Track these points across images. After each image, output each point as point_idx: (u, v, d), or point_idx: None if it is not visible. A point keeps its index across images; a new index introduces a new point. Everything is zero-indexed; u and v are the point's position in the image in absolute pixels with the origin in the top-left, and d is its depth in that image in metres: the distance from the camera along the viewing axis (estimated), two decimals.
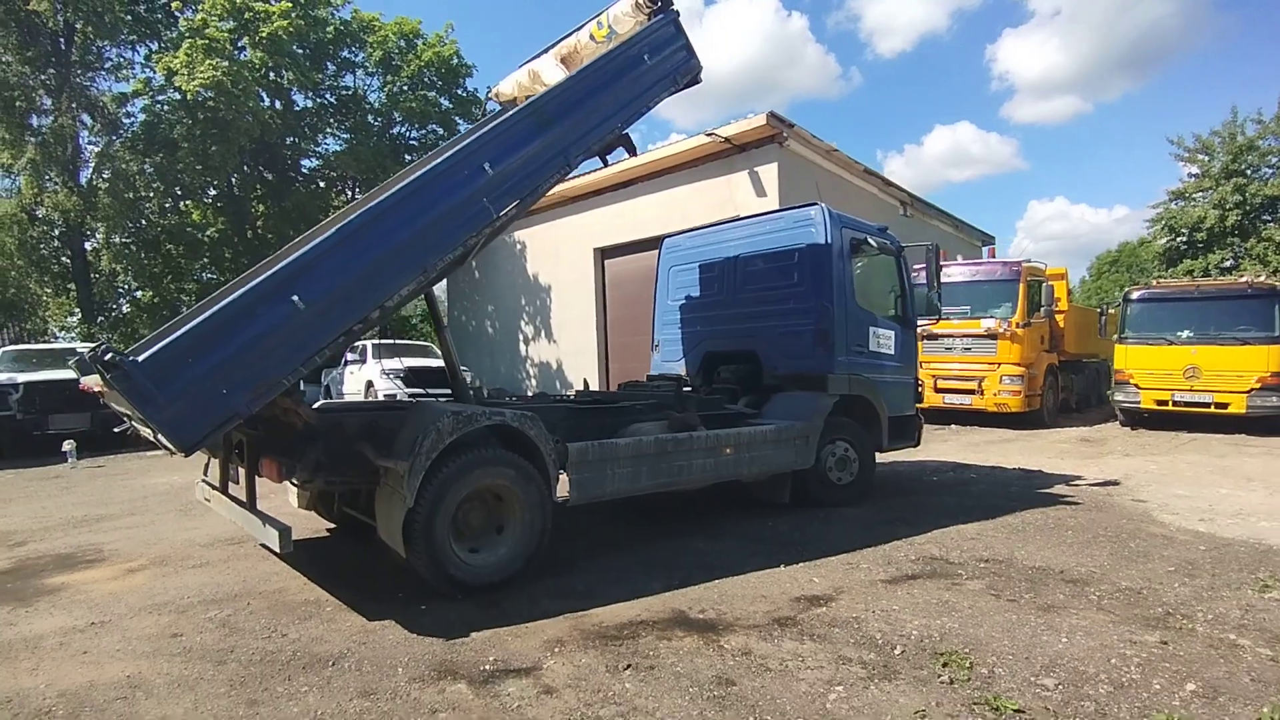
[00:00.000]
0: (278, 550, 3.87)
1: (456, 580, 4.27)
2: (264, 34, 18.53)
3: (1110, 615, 4.01)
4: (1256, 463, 9.22)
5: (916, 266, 7.67)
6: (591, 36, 5.79)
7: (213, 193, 22.08)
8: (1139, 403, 12.68)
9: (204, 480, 5.40)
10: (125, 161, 17.78)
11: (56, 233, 19.40)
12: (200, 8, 18.62)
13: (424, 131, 24.80)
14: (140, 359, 3.31)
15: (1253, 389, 11.62)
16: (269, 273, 3.80)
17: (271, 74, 20.06)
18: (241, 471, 5.05)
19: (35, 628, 3.96)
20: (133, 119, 20.07)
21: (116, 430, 5.26)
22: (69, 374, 13.05)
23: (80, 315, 20.07)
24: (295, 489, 5.76)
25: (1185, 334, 12.37)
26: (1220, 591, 4.43)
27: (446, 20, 48.27)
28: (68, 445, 10.93)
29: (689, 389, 6.99)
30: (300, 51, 20.15)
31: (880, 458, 7.36)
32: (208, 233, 21.42)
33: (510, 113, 4.85)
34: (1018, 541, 5.52)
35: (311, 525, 6.03)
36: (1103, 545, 5.43)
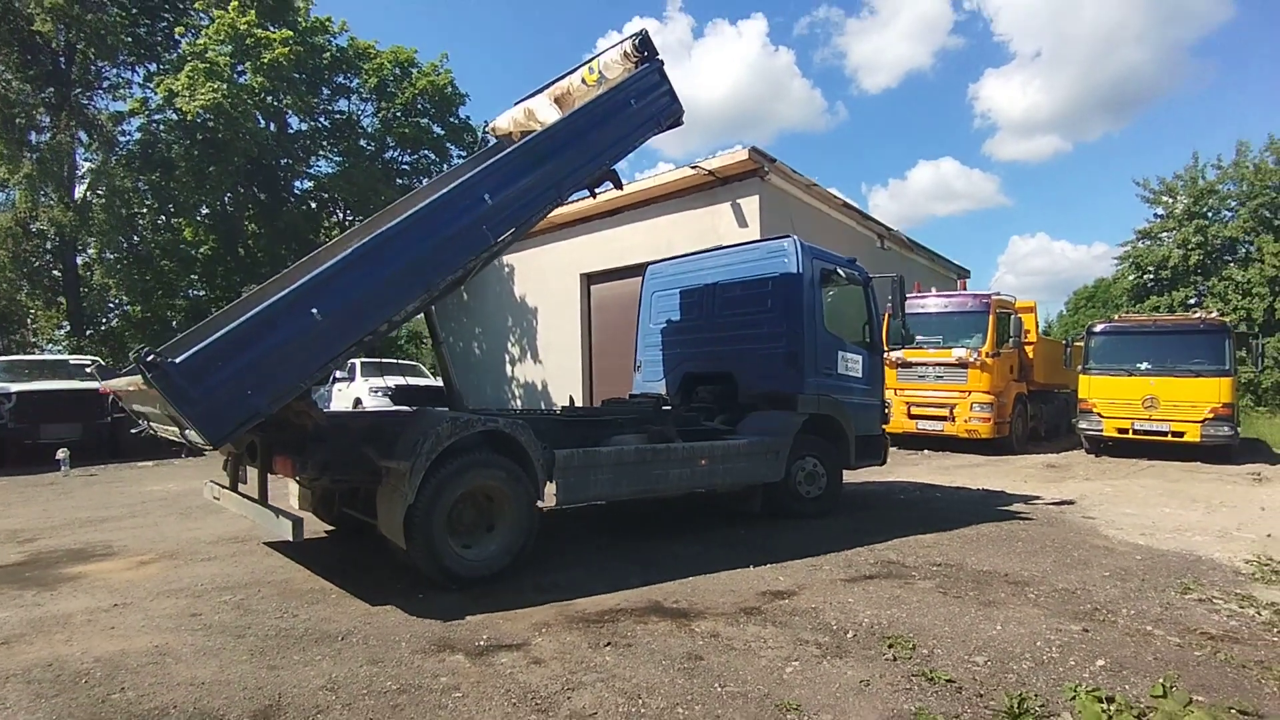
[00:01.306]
0: (291, 539, 4.23)
1: (451, 572, 4.65)
2: (266, 60, 19.07)
3: (1043, 610, 4.46)
4: (1204, 487, 9.78)
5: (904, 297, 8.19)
6: (583, 80, 6.34)
7: (205, 211, 22.45)
8: (1102, 430, 13.26)
9: (213, 481, 5.74)
10: (120, 178, 18.13)
11: (49, 246, 19.65)
12: (204, 32, 19.17)
13: (416, 156, 25.36)
14: (177, 361, 3.72)
15: (1206, 419, 12.23)
16: (290, 287, 4.22)
17: (269, 98, 20.55)
18: (251, 471, 5.45)
19: (62, 607, 4.29)
20: (128, 137, 20.51)
21: (134, 432, 5.61)
22: (61, 384, 13.47)
23: (69, 328, 20.24)
24: (296, 491, 6.13)
25: (1144, 365, 13.01)
26: (1146, 593, 4.89)
27: (441, 50, 48.93)
28: (61, 454, 11.15)
29: (668, 407, 7.44)
30: (298, 77, 20.71)
31: (853, 478, 7.82)
32: (200, 250, 21.72)
33: (508, 149, 5.37)
34: (970, 550, 5.97)
35: (311, 527, 6.35)
36: (1048, 554, 5.89)
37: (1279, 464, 12.38)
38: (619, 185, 6.29)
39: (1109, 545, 6.28)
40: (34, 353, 20.34)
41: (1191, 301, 22.66)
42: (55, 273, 19.89)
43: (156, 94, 19.06)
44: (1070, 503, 8.39)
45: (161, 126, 20.31)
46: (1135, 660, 3.66)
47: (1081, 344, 14.29)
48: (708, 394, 7.77)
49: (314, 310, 4.14)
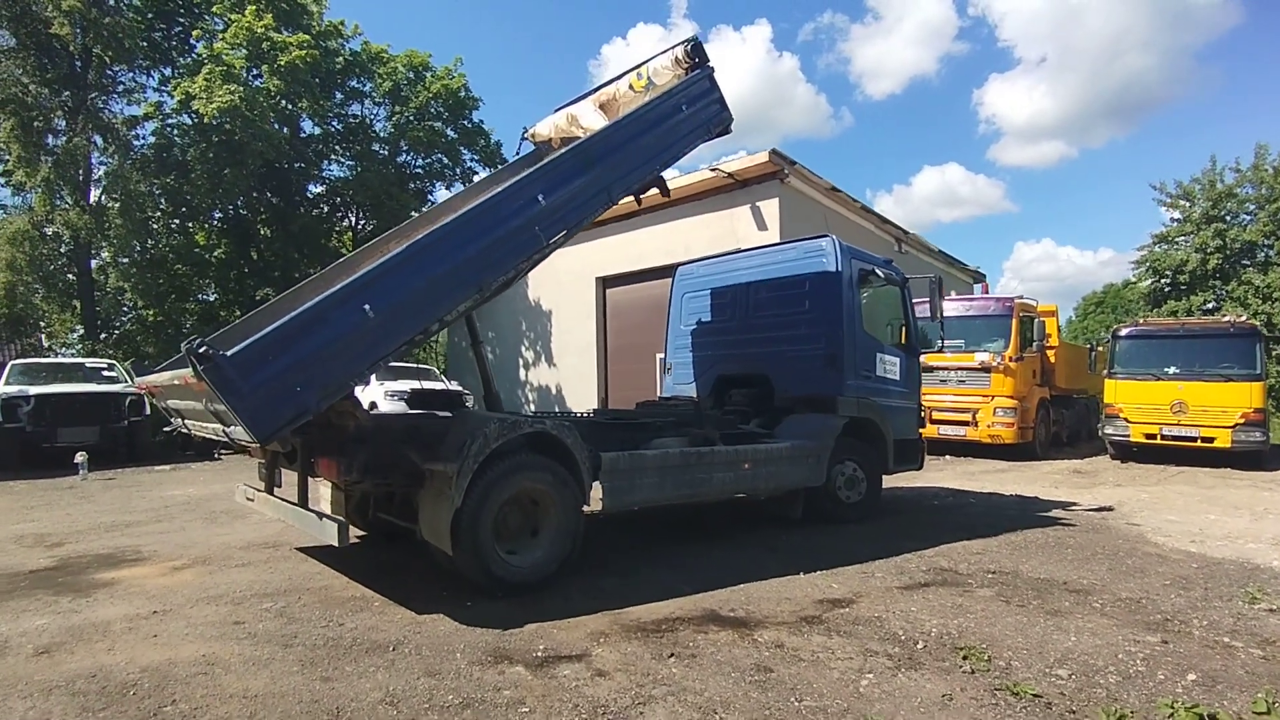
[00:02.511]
0: (336, 544, 4.09)
1: (497, 578, 4.51)
2: (283, 63, 19.02)
3: (1113, 620, 4.29)
4: (1242, 493, 9.58)
5: (918, 300, 8.04)
6: (630, 86, 6.33)
7: (218, 215, 22.41)
8: (1128, 436, 13.06)
9: (246, 485, 5.61)
10: (135, 182, 18.08)
11: (64, 250, 19.60)
12: (221, 36, 19.13)
13: (429, 160, 25.29)
14: (229, 353, 3.60)
15: (1237, 424, 12.03)
16: (343, 283, 4.10)
17: (285, 102, 20.50)
18: (284, 473, 5.32)
19: (100, 614, 4.15)
20: (142, 141, 20.48)
21: (166, 430, 5.50)
22: (78, 387, 13.39)
23: (83, 331, 20.17)
24: (329, 495, 5.99)
25: (1172, 370, 12.81)
26: (1213, 602, 4.72)
27: (438, 54, 49.04)
28: (80, 457, 11.03)
29: (708, 409, 7.28)
30: (313, 81, 20.66)
31: (883, 482, 7.65)
32: (215, 254, 21.65)
33: (561, 151, 5.31)
34: (1021, 557, 5.80)
35: None
36: (1101, 561, 5.72)
37: None
38: (666, 192, 6.25)
39: (1161, 553, 6.10)
40: (49, 356, 20.29)
41: (1209, 306, 22.46)
42: (70, 276, 19.81)
43: (172, 97, 19.01)
44: (1110, 509, 8.21)
45: (175, 130, 20.31)
46: (1226, 674, 3.49)
47: (1105, 348, 14.12)
48: (742, 396, 7.62)
49: (366, 307, 4.02)
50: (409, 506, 5.13)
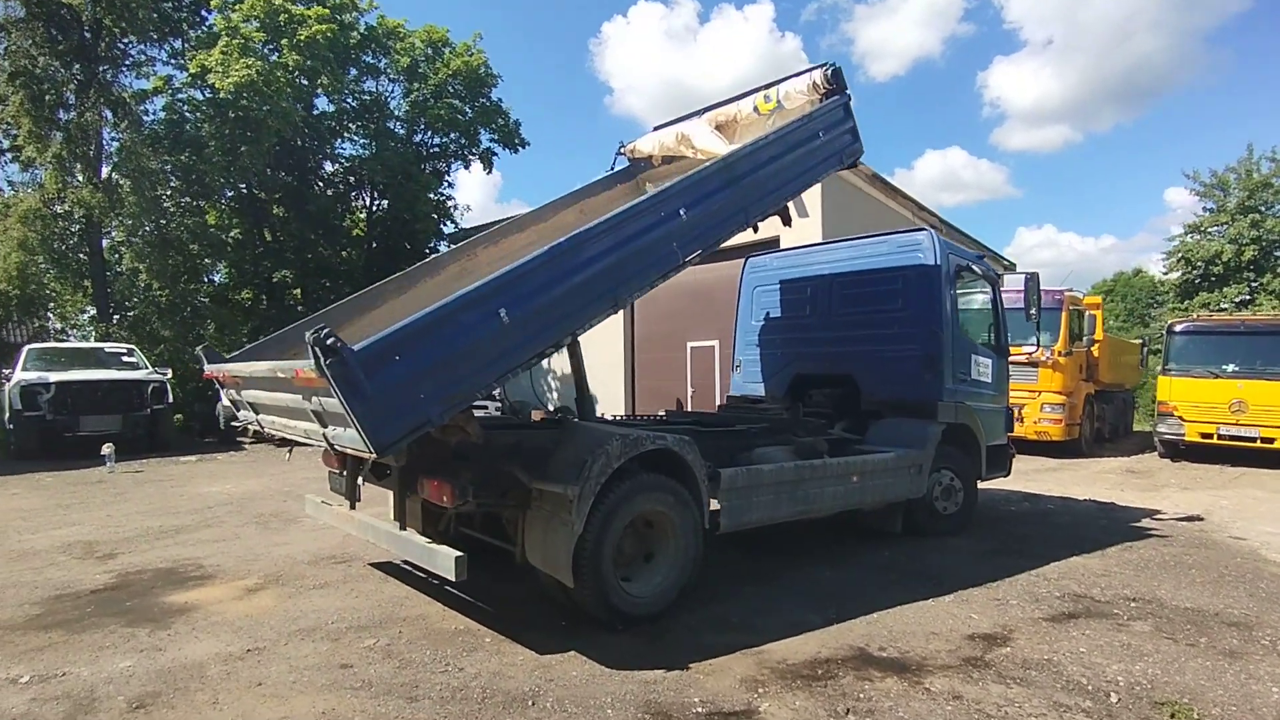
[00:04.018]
0: (453, 578, 3.66)
1: (618, 611, 4.10)
2: (302, 37, 18.33)
3: None
4: None
5: (1011, 292, 7.61)
6: (755, 108, 6.04)
7: (229, 194, 21.77)
8: (1183, 435, 12.67)
9: (321, 500, 5.17)
10: (148, 159, 17.46)
11: (75, 229, 19.00)
12: (238, 7, 18.41)
13: (446, 139, 24.64)
14: (357, 348, 3.15)
15: None
16: (479, 282, 3.65)
17: (301, 77, 19.79)
18: (361, 487, 4.88)
19: (188, 653, 3.72)
20: (152, 116, 19.80)
21: (235, 425, 5.08)
22: (100, 374, 12.89)
23: (95, 313, 19.63)
24: (394, 505, 5.52)
25: (1231, 367, 12.41)
26: None
27: (474, 30, 48.21)
28: (107, 449, 10.59)
29: (803, 413, 6.81)
30: (330, 56, 19.96)
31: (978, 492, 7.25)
32: (231, 234, 21.03)
33: (706, 165, 4.90)
34: (1148, 579, 5.40)
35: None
36: (1234, 585, 5.33)
37: None
38: (788, 221, 5.89)
39: None
40: (60, 340, 19.78)
41: (1244, 299, 22.04)
42: (81, 256, 19.21)
43: (187, 70, 18.29)
44: (1199, 518, 7.82)
45: (186, 105, 19.62)
46: None
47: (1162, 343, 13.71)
48: (823, 398, 7.19)
49: (502, 311, 3.58)
50: (494, 522, 4.73)
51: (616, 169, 6.98)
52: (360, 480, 4.85)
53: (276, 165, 21.22)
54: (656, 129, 6.85)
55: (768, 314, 7.92)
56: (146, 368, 13.99)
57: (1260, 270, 22.28)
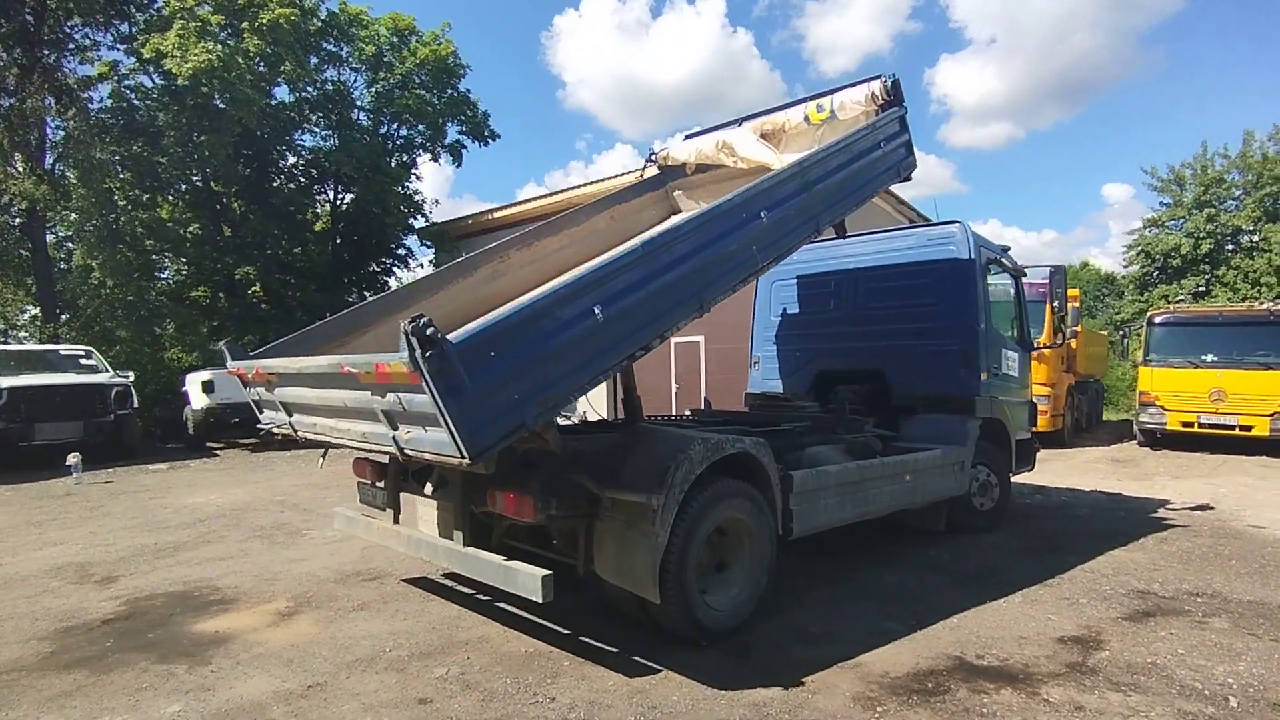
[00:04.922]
0: (539, 599, 3.35)
1: (702, 626, 3.86)
2: (264, 21, 17.47)
3: None
4: None
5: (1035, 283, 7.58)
6: (807, 118, 5.90)
7: (183, 187, 20.66)
8: (1165, 424, 12.97)
9: (358, 515, 4.78)
10: (95, 148, 16.41)
11: (16, 223, 17.79)
12: None
13: (412, 131, 23.91)
14: (456, 340, 2.84)
15: (1275, 412, 12.01)
16: (575, 276, 3.37)
17: (261, 64, 18.87)
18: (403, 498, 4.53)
19: (241, 692, 3.33)
20: (97, 104, 18.64)
21: (260, 427, 4.65)
22: (56, 378, 12.03)
23: (37, 312, 18.42)
24: (437, 511, 5.15)
25: (1210, 357, 12.73)
26: None
27: (443, 20, 46.91)
28: (73, 459, 9.85)
29: (852, 411, 6.64)
30: (294, 41, 19.08)
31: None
32: (189, 229, 19.95)
33: (782, 170, 4.74)
34: (1198, 572, 5.39)
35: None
36: (1276, 575, 5.35)
37: None
38: (844, 233, 5.86)
39: None
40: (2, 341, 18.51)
41: (1200, 290, 22.86)
42: (23, 252, 18.01)
43: (139, 55, 17.20)
44: (1210, 507, 7.93)
45: (134, 93, 18.53)
46: None
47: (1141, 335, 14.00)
48: (851, 395, 7.03)
49: (596, 309, 3.28)
50: (540, 532, 4.43)
51: (646, 176, 6.81)
52: (403, 491, 4.51)
53: (235, 156, 20.25)
54: (690, 136, 6.71)
55: (785, 309, 7.73)
56: (107, 370, 13.14)
57: (1215, 263, 23.13)
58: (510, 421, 3.04)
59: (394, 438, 3.30)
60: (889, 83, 5.59)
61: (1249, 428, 12.26)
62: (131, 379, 13.74)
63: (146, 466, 11.52)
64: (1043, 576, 5.20)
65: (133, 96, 18.35)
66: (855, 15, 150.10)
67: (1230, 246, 23.67)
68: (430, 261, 24.86)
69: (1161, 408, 13.08)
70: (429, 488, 4.15)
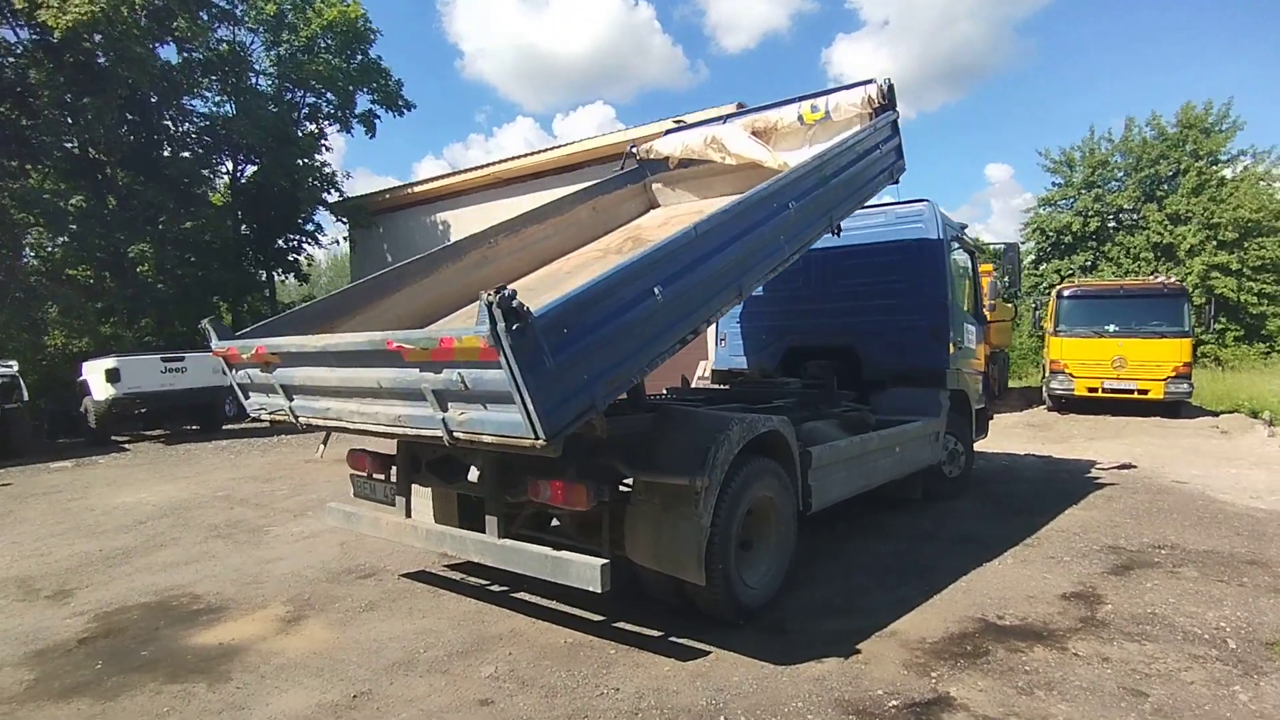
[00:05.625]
0: (598, 590, 3.25)
1: (741, 605, 3.87)
2: None
3: None
4: (1210, 444, 10.49)
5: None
6: (800, 118, 5.94)
7: (57, 154, 18.58)
8: (1073, 390, 14.02)
9: (339, 506, 4.49)
10: None
11: None
12: None
13: (320, 100, 22.50)
14: (539, 314, 2.69)
15: (1168, 377, 13.21)
16: (636, 255, 3.25)
17: (146, 17, 17.13)
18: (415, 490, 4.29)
19: (281, 708, 3.07)
20: None
21: (252, 415, 4.24)
22: None
23: None
24: (434, 499, 4.90)
25: (1112, 327, 13.82)
26: None
27: None
28: None
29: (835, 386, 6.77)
30: None
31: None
32: (71, 201, 18.00)
33: (803, 164, 4.74)
34: (1151, 526, 5.86)
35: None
36: (1215, 526, 5.88)
37: (1218, 416, 13.53)
38: (838, 230, 5.85)
39: (1247, 512, 6.36)
40: None
41: (1088, 265, 24.76)
42: None
43: (12, 4, 15.26)
44: (1133, 466, 8.62)
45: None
46: None
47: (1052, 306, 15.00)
48: (822, 370, 7.19)
49: (657, 289, 3.20)
50: (548, 521, 4.34)
51: (626, 169, 6.71)
52: (414, 482, 4.27)
53: (119, 122, 18.40)
54: (672, 131, 6.64)
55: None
56: None
57: (1101, 240, 25.08)
58: (582, 402, 2.92)
59: (443, 420, 3.08)
60: (886, 87, 5.68)
61: (1146, 391, 13.42)
62: (16, 368, 12.41)
63: (46, 465, 10.46)
64: (1021, 538, 5.52)
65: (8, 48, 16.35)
66: None
67: (1113, 224, 25.66)
68: (345, 238, 23.67)
69: (1070, 375, 14.12)
70: (472, 473, 3.86)
